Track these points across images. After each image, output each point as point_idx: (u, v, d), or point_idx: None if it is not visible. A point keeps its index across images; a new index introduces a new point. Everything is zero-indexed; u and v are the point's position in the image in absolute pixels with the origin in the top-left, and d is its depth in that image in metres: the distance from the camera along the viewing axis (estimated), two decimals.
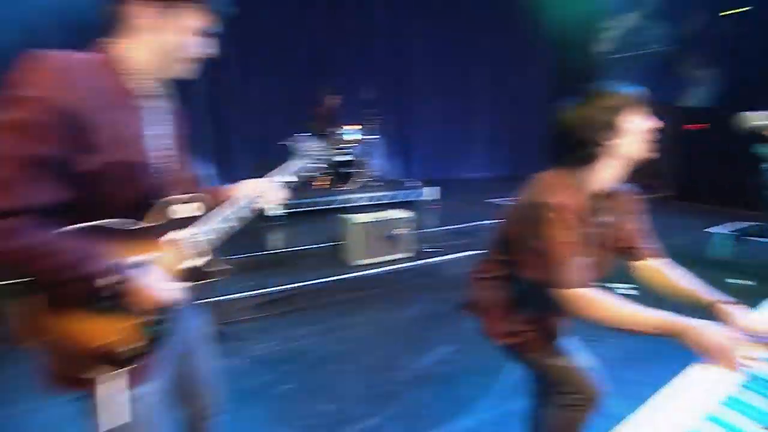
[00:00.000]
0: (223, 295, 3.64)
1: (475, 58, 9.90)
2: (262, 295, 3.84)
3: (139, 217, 1.09)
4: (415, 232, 4.90)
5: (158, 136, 1.14)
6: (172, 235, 1.16)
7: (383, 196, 6.53)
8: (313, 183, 6.53)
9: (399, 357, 3.12)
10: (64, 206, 0.96)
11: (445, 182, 7.85)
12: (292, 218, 5.84)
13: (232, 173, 7.53)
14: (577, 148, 1.39)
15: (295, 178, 1.47)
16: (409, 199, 6.69)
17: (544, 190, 1.41)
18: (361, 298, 4.17)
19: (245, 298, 3.78)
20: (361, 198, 6.38)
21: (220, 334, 3.25)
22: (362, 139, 6.86)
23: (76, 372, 1.03)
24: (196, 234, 1.21)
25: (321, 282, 4.11)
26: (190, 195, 1.23)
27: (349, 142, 6.68)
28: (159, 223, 1.13)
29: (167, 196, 1.15)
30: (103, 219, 1.02)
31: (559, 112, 1.44)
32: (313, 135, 6.75)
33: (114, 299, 1.00)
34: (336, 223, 4.80)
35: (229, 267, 1.31)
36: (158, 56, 1.09)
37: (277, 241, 5.00)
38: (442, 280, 4.65)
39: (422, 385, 2.80)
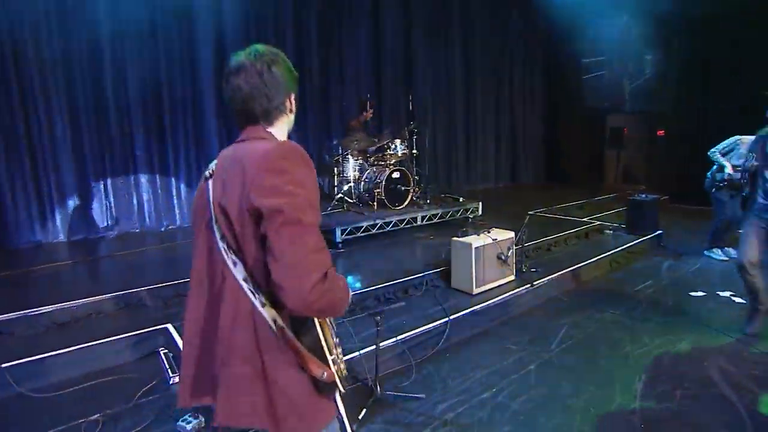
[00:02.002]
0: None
1: (478, 71, 9.89)
2: (395, 343, 3.38)
3: None
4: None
5: None
6: None
7: (443, 213, 6.24)
8: (368, 203, 6.08)
9: (607, 398, 2.87)
10: None
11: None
12: (346, 244, 5.43)
13: None
14: None
15: None
16: (466, 216, 6.46)
17: None
18: (495, 331, 3.87)
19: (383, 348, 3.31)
20: (418, 216, 6.04)
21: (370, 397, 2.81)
22: (407, 153, 6.50)
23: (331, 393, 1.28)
24: None
25: (451, 318, 3.74)
26: None
27: (398, 157, 6.29)
28: None
29: None
30: None
31: None
32: (351, 151, 6.31)
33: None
34: (412, 246, 4.45)
35: None
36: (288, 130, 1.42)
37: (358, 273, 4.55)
38: (557, 302, 4.47)
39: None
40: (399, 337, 3.35)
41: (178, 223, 6.45)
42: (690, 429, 2.61)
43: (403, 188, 6.04)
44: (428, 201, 6.37)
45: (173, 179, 6.40)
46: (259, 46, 1.31)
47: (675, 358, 3.40)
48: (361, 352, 3.10)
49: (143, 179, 6.17)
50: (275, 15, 7.00)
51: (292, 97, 1.37)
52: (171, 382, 2.99)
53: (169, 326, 3.52)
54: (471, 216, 6.59)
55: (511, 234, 4.50)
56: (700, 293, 4.61)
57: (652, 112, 12.33)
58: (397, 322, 3.63)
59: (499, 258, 4.35)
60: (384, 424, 2.65)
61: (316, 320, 1.21)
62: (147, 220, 6.23)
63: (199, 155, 6.52)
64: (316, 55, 7.47)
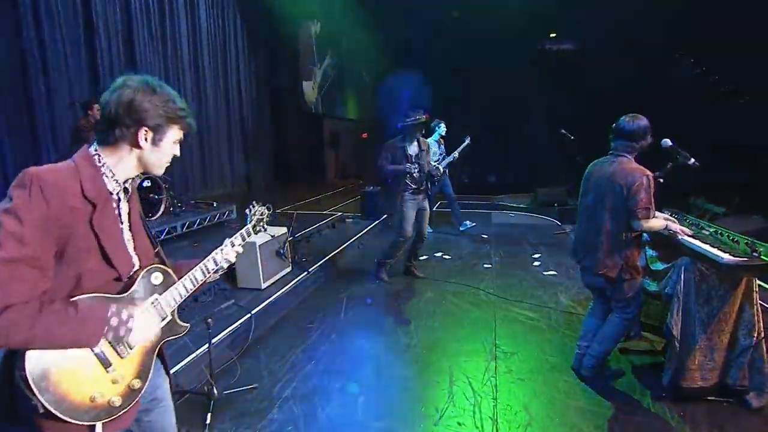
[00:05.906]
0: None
1: (208, 75, 9.67)
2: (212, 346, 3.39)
3: (122, 289, 1.34)
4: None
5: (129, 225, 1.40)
6: (151, 299, 1.40)
7: (200, 219, 6.04)
8: None
9: (394, 340, 3.69)
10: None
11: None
12: None
13: None
14: None
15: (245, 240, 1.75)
16: (222, 220, 6.43)
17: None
18: (292, 316, 4.25)
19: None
20: (177, 225, 5.70)
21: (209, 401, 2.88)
22: None
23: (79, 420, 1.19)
24: (171, 296, 1.46)
25: (254, 312, 3.92)
26: (158, 265, 1.46)
27: None
28: (139, 291, 1.37)
29: (142, 269, 1.39)
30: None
31: None
32: None
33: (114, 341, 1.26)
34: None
35: (188, 325, 1.53)
36: (137, 166, 1.34)
37: None
38: (332, 282, 5.17)
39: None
40: (214, 340, 3.34)
41: None
42: (449, 334, 3.73)
43: (156, 197, 5.59)
44: (182, 208, 6.07)
45: None
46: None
47: (427, 301, 4.57)
48: (186, 361, 3.00)
49: None
50: None
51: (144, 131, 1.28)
52: None
53: None
54: (226, 220, 6.62)
55: (284, 229, 4.91)
56: (424, 257, 6.11)
57: (355, 118, 14.78)
58: (202, 329, 3.57)
59: (278, 253, 4.71)
60: (233, 421, 2.71)
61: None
62: None
63: None
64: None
